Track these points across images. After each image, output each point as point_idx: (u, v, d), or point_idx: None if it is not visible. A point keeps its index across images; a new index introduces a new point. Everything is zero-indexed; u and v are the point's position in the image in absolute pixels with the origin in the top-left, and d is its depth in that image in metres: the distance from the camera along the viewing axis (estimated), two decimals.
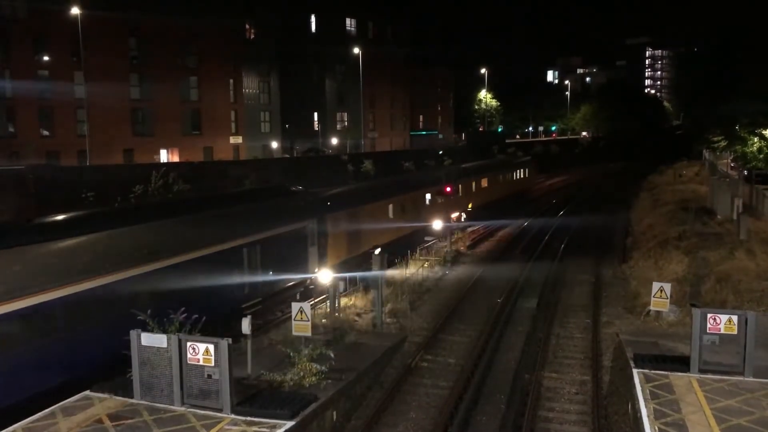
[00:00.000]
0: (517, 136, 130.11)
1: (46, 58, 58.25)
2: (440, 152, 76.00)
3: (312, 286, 28.20)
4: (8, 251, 16.19)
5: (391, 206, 39.26)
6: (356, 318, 23.94)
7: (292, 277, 27.14)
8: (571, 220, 52.45)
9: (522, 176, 71.79)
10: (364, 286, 26.82)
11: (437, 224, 37.93)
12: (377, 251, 25.02)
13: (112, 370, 15.70)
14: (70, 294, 16.64)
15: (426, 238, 38.55)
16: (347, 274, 27.73)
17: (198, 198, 29.08)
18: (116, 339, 15.09)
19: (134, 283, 18.48)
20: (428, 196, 45.81)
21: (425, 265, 32.86)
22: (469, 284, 31.24)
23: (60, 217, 19.71)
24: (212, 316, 17.64)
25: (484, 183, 58.35)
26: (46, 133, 59.01)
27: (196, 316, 15.35)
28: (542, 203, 68.12)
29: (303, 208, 29.01)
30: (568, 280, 32.65)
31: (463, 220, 48.46)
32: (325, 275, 24.33)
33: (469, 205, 52.25)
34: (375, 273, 23.99)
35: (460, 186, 50.25)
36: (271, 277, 25.11)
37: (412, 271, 31.00)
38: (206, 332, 15.36)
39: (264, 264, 24.63)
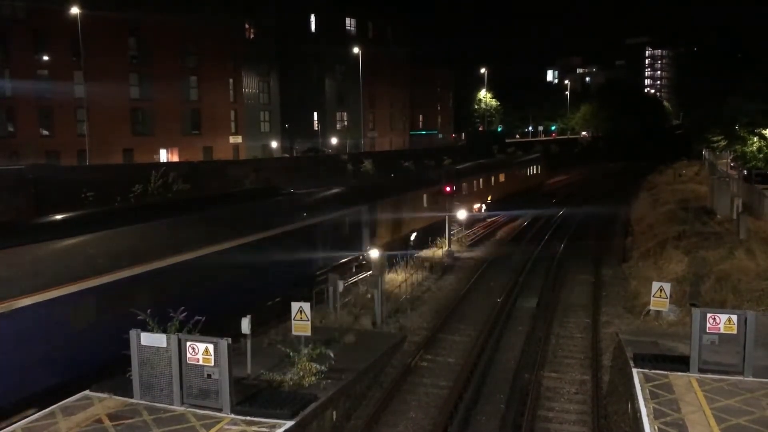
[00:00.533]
0: (517, 136, 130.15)
1: (45, 57, 58.23)
2: (447, 152, 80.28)
3: (364, 262, 31.69)
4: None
5: (425, 196, 42.94)
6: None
7: (351, 254, 31.52)
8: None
9: (535, 172, 75.87)
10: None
11: (461, 214, 41.69)
12: (412, 235, 31.89)
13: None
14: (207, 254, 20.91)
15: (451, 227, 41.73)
16: (391, 253, 32.02)
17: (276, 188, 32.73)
18: (240, 291, 21.39)
19: (250, 249, 22.97)
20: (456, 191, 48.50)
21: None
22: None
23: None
24: (298, 280, 24.88)
25: (502, 178, 62.75)
26: (45, 132, 58.99)
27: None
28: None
29: (358, 195, 33.98)
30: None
31: (483, 210, 54.00)
32: (374, 252, 27.92)
33: (489, 198, 56.77)
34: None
35: (481, 180, 55.61)
36: (335, 252, 29.71)
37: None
38: (292, 296, 20.01)
39: (331, 242, 29.16)
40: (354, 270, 31.40)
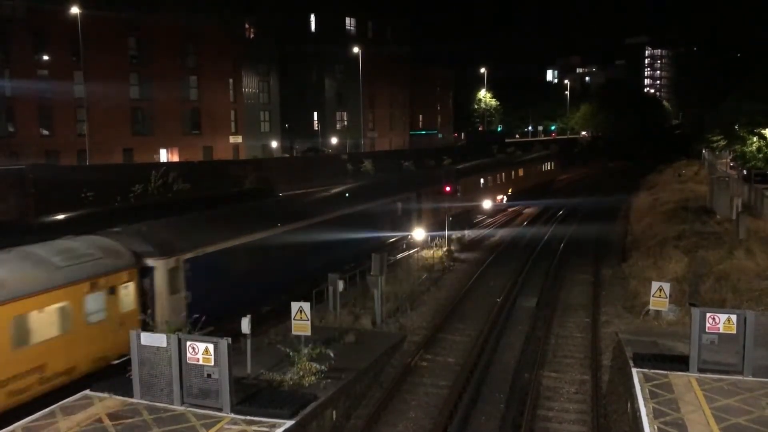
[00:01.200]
0: (517, 136, 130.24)
1: (45, 57, 58.23)
2: (447, 152, 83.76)
3: (411, 240, 37.59)
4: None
5: (459, 184, 48.90)
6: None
7: (401, 234, 38.07)
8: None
9: (549, 168, 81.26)
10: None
11: (486, 203, 48.10)
12: (418, 233, 35.43)
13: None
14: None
15: (478, 216, 51.21)
16: (432, 233, 38.41)
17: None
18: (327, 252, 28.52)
19: (331, 225, 29.82)
20: (482, 180, 55.85)
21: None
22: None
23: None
24: (360, 252, 30.39)
25: (521, 173, 68.07)
26: (45, 132, 59.00)
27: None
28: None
29: (407, 185, 42.02)
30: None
31: (505, 201, 60.01)
32: (418, 233, 35.40)
33: (510, 190, 62.13)
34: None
35: (503, 174, 61.94)
36: (390, 232, 37.05)
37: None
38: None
39: (387, 223, 36.56)
40: (404, 247, 37.74)
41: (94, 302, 17.62)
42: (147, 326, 16.79)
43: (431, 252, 36.39)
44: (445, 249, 37.09)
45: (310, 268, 27.21)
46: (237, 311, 19.04)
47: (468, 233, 43.04)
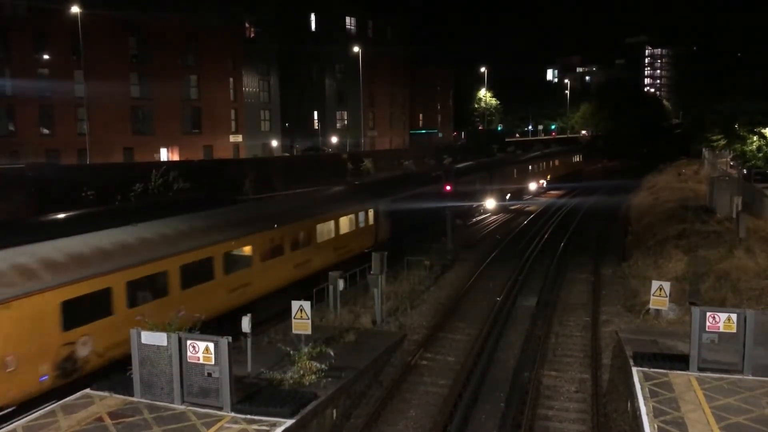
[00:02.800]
0: (517, 135, 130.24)
1: (46, 56, 58.29)
2: (448, 150, 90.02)
3: (483, 208, 53.49)
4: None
5: (515, 170, 65.94)
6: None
7: (479, 202, 53.26)
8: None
9: (578, 160, 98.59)
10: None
11: (532, 185, 68.08)
12: (490, 202, 52.36)
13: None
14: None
15: (526, 195, 66.98)
16: (501, 203, 54.28)
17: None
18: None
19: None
20: (530, 167, 72.19)
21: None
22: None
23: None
24: (458, 214, 43.37)
25: (557, 163, 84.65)
26: (46, 131, 59.04)
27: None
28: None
29: (482, 167, 57.90)
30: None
31: (545, 185, 73.83)
32: (490, 202, 52.46)
33: (548, 176, 77.23)
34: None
35: (543, 164, 77.58)
36: (471, 201, 51.46)
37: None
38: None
39: (470, 194, 50.37)
40: (481, 212, 53.73)
41: (362, 217, 33.19)
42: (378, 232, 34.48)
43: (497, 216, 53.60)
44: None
45: (434, 215, 41.27)
46: (407, 232, 37.16)
47: (522, 203, 62.45)
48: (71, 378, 16.45)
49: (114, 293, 17.92)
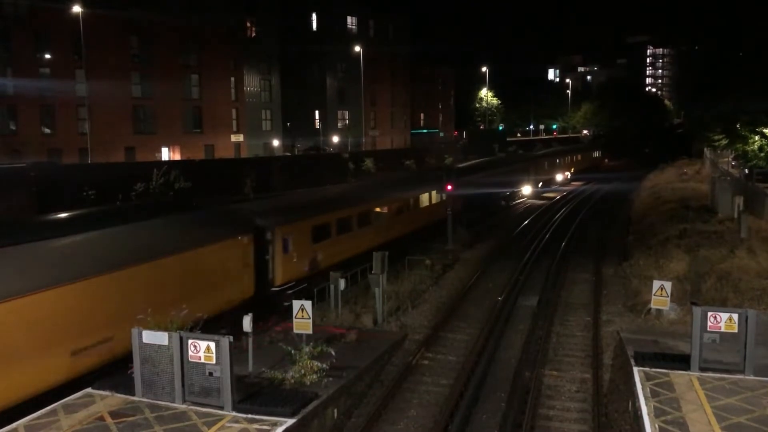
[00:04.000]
0: (518, 134, 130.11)
1: (47, 56, 58.23)
2: (449, 150, 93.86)
3: (519, 192, 65.69)
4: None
5: (546, 163, 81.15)
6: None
7: (519, 188, 64.92)
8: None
9: (598, 155, 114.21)
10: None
11: (558, 176, 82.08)
12: (527, 188, 66.12)
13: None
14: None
15: (554, 185, 78.73)
16: (538, 190, 68.54)
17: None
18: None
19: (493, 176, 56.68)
20: (558, 161, 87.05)
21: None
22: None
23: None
24: (503, 197, 60.27)
25: (579, 157, 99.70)
26: (47, 130, 59.00)
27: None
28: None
29: (523, 159, 74.28)
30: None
31: (568, 176, 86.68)
32: (526, 188, 64.93)
33: (572, 169, 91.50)
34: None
35: (567, 158, 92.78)
36: (513, 187, 63.58)
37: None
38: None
39: (512, 181, 62.54)
40: (519, 195, 65.56)
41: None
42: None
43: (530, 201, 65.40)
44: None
45: (486, 196, 51.84)
46: (469, 206, 45.94)
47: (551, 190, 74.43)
48: (314, 271, 26.92)
49: (331, 226, 28.95)
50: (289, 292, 24.55)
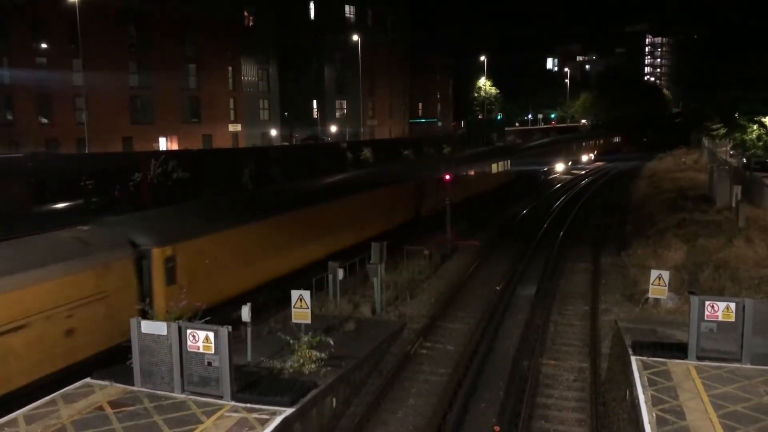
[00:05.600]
0: (517, 124, 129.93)
1: (44, 45, 58.01)
2: (447, 140, 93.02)
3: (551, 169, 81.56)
4: None
5: (574, 146, 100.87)
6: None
7: (554, 166, 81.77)
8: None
9: (618, 141, 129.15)
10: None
11: (584, 158, 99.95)
12: (560, 165, 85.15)
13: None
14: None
15: (578, 165, 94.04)
16: (568, 167, 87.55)
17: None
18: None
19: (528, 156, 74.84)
20: (584, 144, 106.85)
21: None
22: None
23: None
24: (541, 172, 76.81)
25: (601, 142, 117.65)
26: (44, 120, 58.88)
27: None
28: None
29: (557, 142, 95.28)
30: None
31: (593, 158, 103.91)
32: (560, 165, 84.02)
33: (595, 152, 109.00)
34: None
35: (592, 143, 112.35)
36: (547, 165, 79.82)
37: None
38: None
39: (546, 159, 78.75)
40: (553, 172, 79.30)
41: (504, 165, 62.43)
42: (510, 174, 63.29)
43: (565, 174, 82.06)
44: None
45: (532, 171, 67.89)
46: (520, 177, 65.06)
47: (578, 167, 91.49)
48: (418, 217, 39.20)
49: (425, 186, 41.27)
50: None
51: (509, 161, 62.98)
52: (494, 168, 57.90)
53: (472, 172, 51.99)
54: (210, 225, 21.88)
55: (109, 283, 17.85)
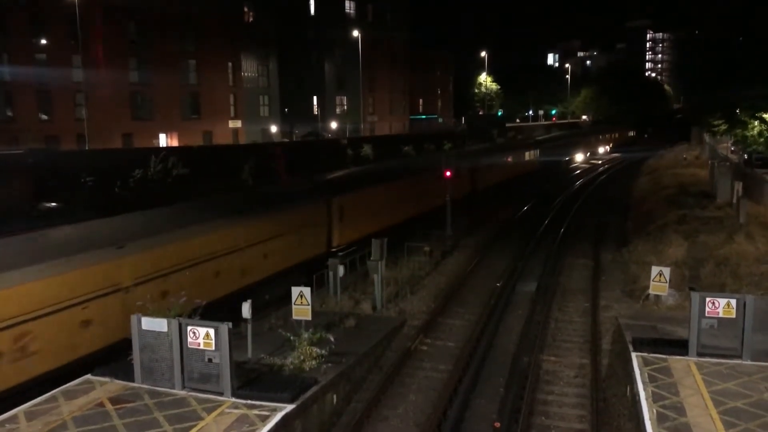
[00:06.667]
0: (517, 120, 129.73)
1: (44, 41, 57.89)
2: (448, 136, 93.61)
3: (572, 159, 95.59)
4: None
5: (592, 139, 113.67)
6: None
7: (574, 156, 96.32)
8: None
9: (633, 135, 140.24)
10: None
11: (601, 149, 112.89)
12: (579, 156, 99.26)
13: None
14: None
15: (595, 157, 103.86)
16: (587, 157, 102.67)
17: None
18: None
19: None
20: (601, 137, 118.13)
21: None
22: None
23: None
24: (562, 162, 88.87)
25: (617, 135, 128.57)
26: (44, 117, 58.80)
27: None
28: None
29: (580, 134, 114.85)
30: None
31: (609, 150, 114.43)
32: (579, 156, 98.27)
33: (611, 144, 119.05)
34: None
35: (607, 136, 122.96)
36: (568, 156, 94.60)
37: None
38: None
39: (567, 151, 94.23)
40: (574, 161, 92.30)
41: (532, 155, 77.93)
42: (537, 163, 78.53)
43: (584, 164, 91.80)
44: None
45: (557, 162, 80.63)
46: (545, 165, 78.60)
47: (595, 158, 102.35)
48: (474, 191, 52.10)
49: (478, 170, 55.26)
50: None
51: (538, 151, 79.39)
52: (527, 156, 74.71)
53: (510, 159, 68.23)
54: (359, 185, 34.92)
55: (318, 215, 30.22)
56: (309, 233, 28.37)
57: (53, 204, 29.44)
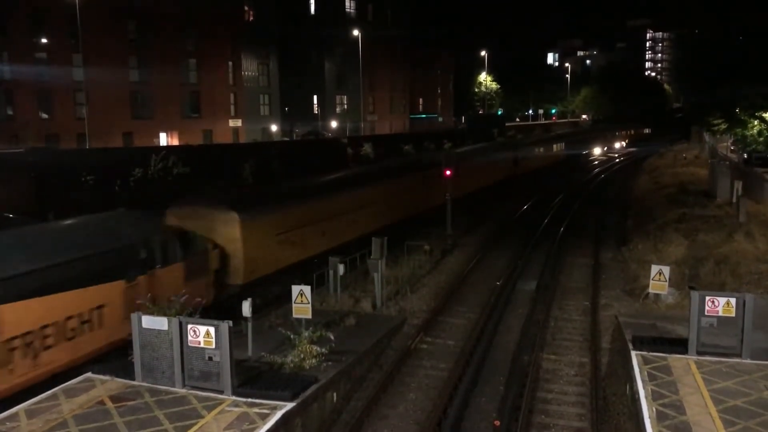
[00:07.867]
0: (517, 119, 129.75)
1: (44, 40, 57.88)
2: (448, 135, 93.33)
3: (592, 152, 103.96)
4: None
5: (607, 134, 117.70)
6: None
7: (592, 150, 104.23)
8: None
9: (647, 132, 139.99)
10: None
11: (617, 144, 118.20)
12: (597, 149, 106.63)
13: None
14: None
15: (611, 151, 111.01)
16: (604, 151, 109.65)
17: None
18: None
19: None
20: (617, 134, 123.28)
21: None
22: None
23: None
24: (579, 152, 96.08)
25: (632, 132, 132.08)
26: (45, 116, 58.81)
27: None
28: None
29: (601, 129, 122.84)
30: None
31: (624, 145, 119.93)
32: (597, 150, 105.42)
33: (626, 140, 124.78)
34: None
35: (623, 132, 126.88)
36: (589, 149, 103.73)
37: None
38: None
39: (589, 144, 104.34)
40: (592, 155, 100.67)
41: (558, 147, 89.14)
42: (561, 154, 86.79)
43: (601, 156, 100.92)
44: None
45: (576, 154, 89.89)
46: (570, 156, 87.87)
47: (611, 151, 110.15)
48: (515, 174, 63.93)
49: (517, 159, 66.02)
50: None
51: (563, 144, 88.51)
52: (555, 148, 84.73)
53: (542, 150, 78.55)
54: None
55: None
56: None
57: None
